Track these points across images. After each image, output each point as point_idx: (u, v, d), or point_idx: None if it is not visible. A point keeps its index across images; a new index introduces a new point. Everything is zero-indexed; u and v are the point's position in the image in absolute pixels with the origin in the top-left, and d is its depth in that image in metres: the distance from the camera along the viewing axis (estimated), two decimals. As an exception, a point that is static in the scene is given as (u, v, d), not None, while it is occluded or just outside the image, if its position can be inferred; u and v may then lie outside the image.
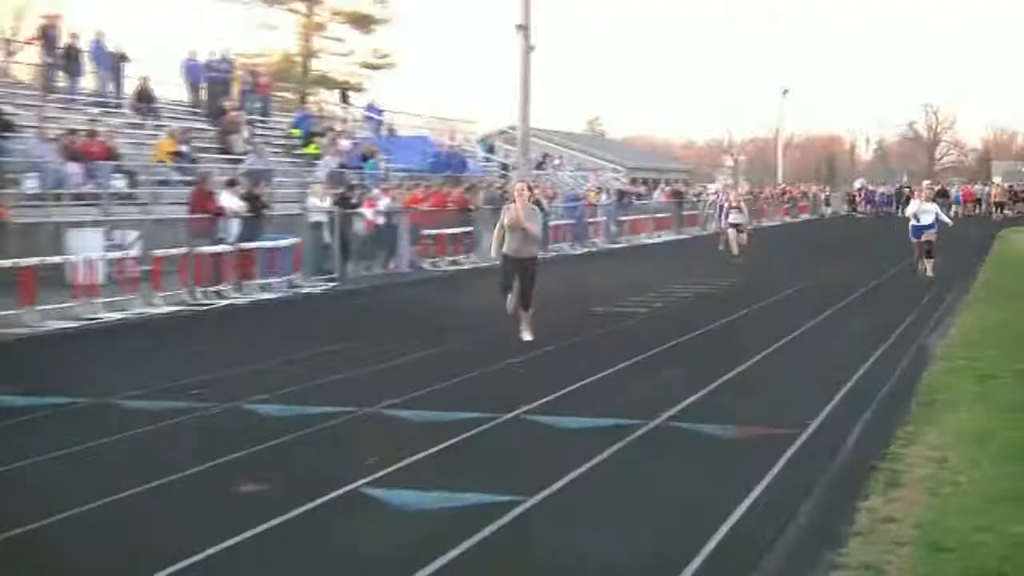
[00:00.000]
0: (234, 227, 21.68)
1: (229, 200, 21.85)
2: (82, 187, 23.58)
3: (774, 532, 6.96)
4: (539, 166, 44.02)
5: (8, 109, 25.13)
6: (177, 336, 16.81)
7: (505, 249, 15.31)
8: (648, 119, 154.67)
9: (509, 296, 15.42)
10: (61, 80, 29.90)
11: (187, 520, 7.40)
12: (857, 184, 74.19)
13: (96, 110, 29.15)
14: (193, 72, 33.79)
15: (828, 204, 70.17)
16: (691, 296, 21.68)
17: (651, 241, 40.83)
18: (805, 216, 63.42)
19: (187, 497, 7.95)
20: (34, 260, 17.49)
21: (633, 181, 55.69)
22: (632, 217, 41.83)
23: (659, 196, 48.30)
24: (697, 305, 20.30)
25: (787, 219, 59.52)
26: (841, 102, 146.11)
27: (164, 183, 25.75)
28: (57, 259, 18.31)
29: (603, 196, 40.63)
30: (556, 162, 49.97)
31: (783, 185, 70.21)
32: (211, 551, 6.64)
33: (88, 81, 30.82)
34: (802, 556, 6.61)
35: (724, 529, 7.08)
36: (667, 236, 42.72)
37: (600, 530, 7.21)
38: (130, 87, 31.42)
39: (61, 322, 17.01)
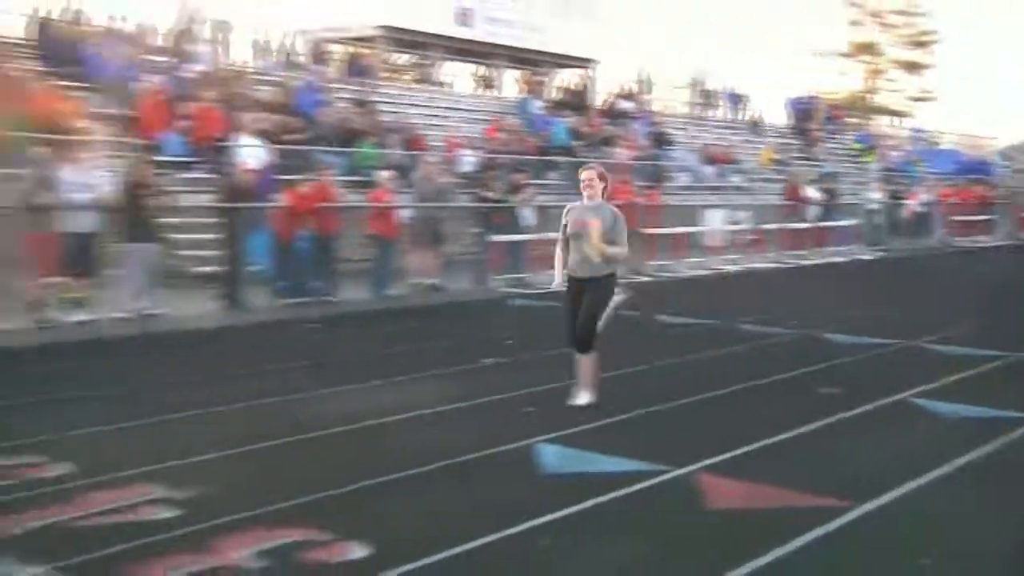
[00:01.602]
0: (812, 211, 21.62)
1: (811, 192, 21.83)
2: (713, 182, 24.29)
3: None
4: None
5: (669, 131, 26.33)
6: (776, 281, 17.01)
7: (568, 267, 6.91)
8: None
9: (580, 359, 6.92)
10: (703, 111, 30.83)
11: (773, 411, 7.20)
12: None
13: (724, 131, 29.76)
14: (792, 105, 33.56)
15: None
16: None
17: None
18: None
19: (775, 395, 7.86)
20: (683, 229, 18.39)
21: None
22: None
23: None
24: None
25: None
26: None
27: (767, 180, 25.83)
28: (695, 229, 19.07)
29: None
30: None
31: None
32: (788, 435, 6.47)
33: (720, 112, 31.54)
34: None
35: None
36: None
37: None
38: (747, 116, 31.78)
39: (698, 270, 17.76)
